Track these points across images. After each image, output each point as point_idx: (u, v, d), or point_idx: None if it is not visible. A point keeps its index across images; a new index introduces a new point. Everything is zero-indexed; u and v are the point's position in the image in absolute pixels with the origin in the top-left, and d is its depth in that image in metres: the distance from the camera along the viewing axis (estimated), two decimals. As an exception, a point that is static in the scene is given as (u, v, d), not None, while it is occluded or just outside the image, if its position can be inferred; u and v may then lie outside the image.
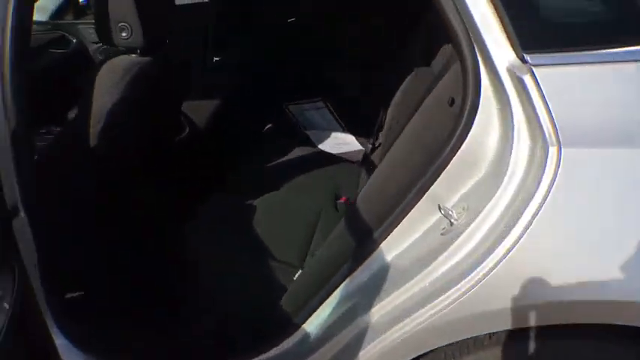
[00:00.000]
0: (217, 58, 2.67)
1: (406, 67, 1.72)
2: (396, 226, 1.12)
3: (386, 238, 1.13)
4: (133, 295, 1.72)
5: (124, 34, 1.40)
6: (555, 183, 0.92)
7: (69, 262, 1.54)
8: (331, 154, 2.25)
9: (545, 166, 0.93)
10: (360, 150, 2.28)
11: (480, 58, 0.98)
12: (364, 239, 1.18)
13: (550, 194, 0.92)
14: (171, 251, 1.59)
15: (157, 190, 1.73)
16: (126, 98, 1.40)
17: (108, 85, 1.37)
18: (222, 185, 1.92)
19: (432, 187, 1.07)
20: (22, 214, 1.22)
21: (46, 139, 2.37)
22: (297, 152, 2.18)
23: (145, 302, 1.71)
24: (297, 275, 1.39)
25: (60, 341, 1.39)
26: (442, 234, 1.07)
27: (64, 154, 1.40)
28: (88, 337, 1.44)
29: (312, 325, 1.23)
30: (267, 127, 2.43)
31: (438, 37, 1.50)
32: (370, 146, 2.20)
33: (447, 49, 1.27)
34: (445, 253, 1.04)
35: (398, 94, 1.66)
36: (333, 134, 2.38)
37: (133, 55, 1.45)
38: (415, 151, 1.11)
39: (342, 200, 1.89)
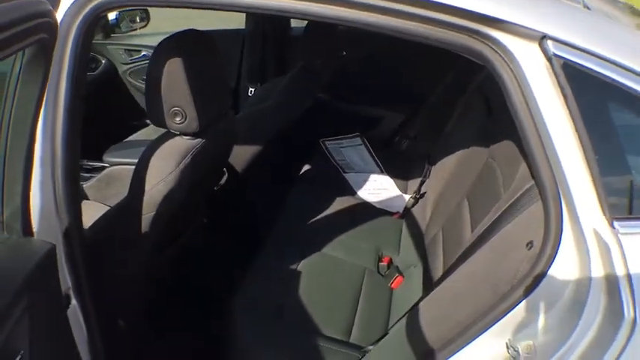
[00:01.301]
0: (253, 89, 2.62)
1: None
2: (461, 353, 1.09)
3: (449, 360, 1.11)
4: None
5: (177, 119, 1.36)
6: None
7: (119, 335, 1.55)
8: (370, 204, 2.22)
9: (616, 336, 0.90)
10: (400, 197, 2.25)
11: (565, 211, 0.94)
12: (425, 355, 1.16)
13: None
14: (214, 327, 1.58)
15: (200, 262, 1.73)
16: (181, 184, 1.37)
17: (160, 173, 1.34)
18: (259, 240, 1.90)
19: (500, 322, 1.04)
20: (74, 301, 1.23)
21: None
22: (336, 202, 2.15)
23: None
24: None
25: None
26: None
27: (113, 242, 1.38)
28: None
29: None
30: (303, 170, 2.39)
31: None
32: (412, 199, 2.17)
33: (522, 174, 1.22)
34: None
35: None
36: (372, 177, 2.34)
37: (186, 138, 1.41)
38: (482, 287, 1.08)
39: (384, 262, 1.87)
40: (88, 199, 2.35)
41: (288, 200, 2.12)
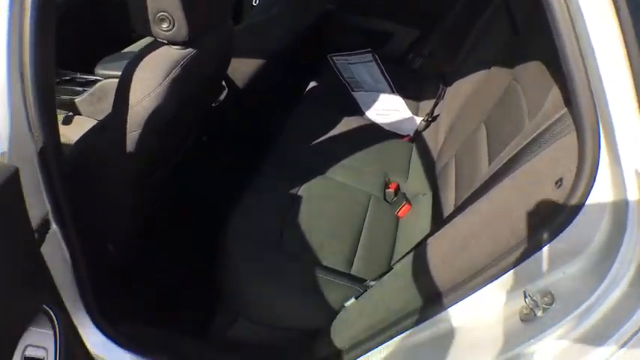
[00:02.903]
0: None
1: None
2: (472, 297, 1.00)
3: (457, 304, 1.02)
4: (170, 293, 1.67)
5: (164, 26, 1.21)
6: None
7: (106, 261, 1.47)
8: (379, 125, 2.07)
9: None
10: (411, 119, 2.10)
11: (603, 146, 0.81)
12: (432, 296, 1.07)
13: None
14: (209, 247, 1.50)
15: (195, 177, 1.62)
16: (171, 99, 1.24)
17: (146, 86, 1.21)
18: (260, 159, 1.78)
19: (518, 268, 0.94)
20: (55, 226, 1.14)
21: (70, 90, 2.23)
22: (343, 122, 2.01)
23: (183, 300, 1.66)
24: (348, 303, 1.29)
25: (97, 339, 1.36)
26: (522, 320, 0.96)
27: (96, 162, 1.27)
28: (127, 335, 1.41)
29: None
30: (309, 87, 2.23)
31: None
32: (424, 122, 2.03)
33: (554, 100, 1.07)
34: (525, 345, 0.94)
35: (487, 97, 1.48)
36: (382, 97, 2.18)
37: (175, 48, 1.26)
38: (500, 227, 0.97)
39: (391, 188, 1.76)
40: (80, 114, 2.23)
41: (291, 119, 1.98)
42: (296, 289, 1.39)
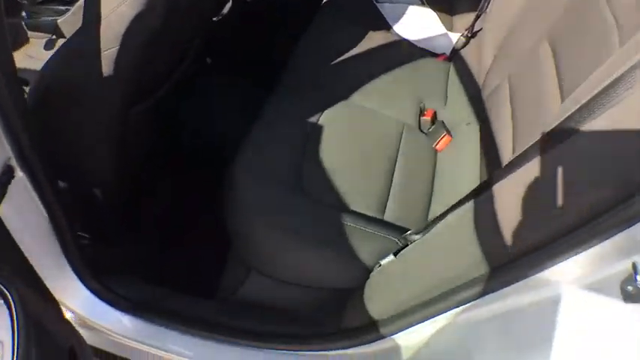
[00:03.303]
0: None
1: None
2: (564, 259, 0.75)
3: (540, 272, 0.78)
4: (172, 240, 1.45)
5: None
6: None
7: (94, 208, 1.25)
8: (410, 42, 1.77)
9: None
10: (445, 36, 1.79)
11: None
12: (506, 260, 0.82)
13: None
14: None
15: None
16: (154, 7, 0.96)
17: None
18: (272, 83, 1.51)
19: (625, 232, 0.69)
20: (20, 173, 0.91)
21: (52, 10, 1.92)
22: (367, 38, 1.71)
23: (186, 250, 1.44)
24: (385, 261, 1.06)
25: (86, 301, 1.17)
26: (626, 298, 0.72)
27: (66, 92, 1.01)
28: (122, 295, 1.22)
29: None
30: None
31: None
32: (463, 38, 1.72)
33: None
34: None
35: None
36: (411, 9, 1.86)
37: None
38: (604, 175, 0.71)
39: (427, 116, 1.49)
40: (64, 37, 1.93)
41: (306, 36, 1.68)
42: (319, 238, 1.16)
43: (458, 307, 0.87)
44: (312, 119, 1.38)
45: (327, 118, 1.39)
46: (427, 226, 1.03)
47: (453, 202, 1.19)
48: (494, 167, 1.20)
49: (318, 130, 1.36)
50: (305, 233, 1.15)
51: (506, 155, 1.16)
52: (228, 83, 1.74)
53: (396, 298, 0.97)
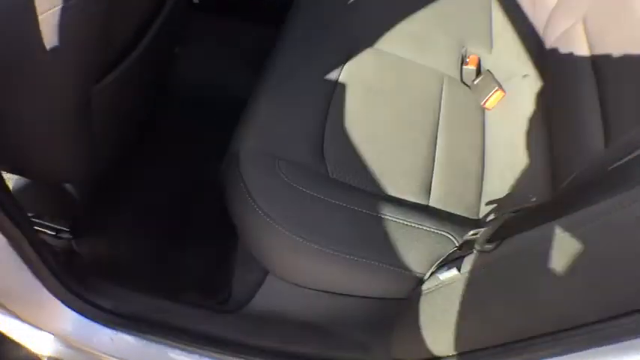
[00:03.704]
0: None
1: None
2: None
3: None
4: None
5: None
6: None
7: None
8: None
9: None
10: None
11: None
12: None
13: None
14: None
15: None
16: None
17: None
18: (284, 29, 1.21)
19: None
20: None
21: None
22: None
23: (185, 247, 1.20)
24: (445, 276, 0.81)
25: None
26: None
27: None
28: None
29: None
30: None
31: None
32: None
33: None
34: None
35: None
36: None
37: None
38: None
39: (470, 64, 1.21)
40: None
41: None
42: (349, 238, 0.91)
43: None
44: (334, 73, 1.10)
45: (351, 71, 1.11)
46: (502, 232, 0.77)
47: (512, 178, 0.95)
48: (569, 136, 0.94)
49: (341, 86, 1.08)
50: (330, 231, 0.89)
51: (590, 121, 0.89)
52: (223, 28, 1.43)
53: (467, 332, 0.74)
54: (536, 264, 0.66)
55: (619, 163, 0.64)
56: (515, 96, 1.13)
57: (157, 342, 1.00)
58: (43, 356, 1.07)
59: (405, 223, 0.92)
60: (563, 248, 0.62)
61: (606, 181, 0.60)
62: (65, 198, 1.09)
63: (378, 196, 0.97)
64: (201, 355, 0.98)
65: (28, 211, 1.04)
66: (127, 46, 0.88)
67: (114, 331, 1.00)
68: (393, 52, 1.18)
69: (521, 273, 0.69)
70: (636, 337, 0.57)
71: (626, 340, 0.57)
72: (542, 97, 1.08)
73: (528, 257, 0.67)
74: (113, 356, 1.02)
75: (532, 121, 1.06)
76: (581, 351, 0.61)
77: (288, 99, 1.03)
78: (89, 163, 0.98)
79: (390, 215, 0.93)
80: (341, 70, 1.11)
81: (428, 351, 0.78)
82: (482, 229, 0.83)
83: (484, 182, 1.06)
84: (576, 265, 0.61)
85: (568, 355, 0.62)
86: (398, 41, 1.20)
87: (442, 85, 1.16)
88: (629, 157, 0.62)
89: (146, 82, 1.09)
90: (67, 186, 1.10)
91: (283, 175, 0.92)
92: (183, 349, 0.99)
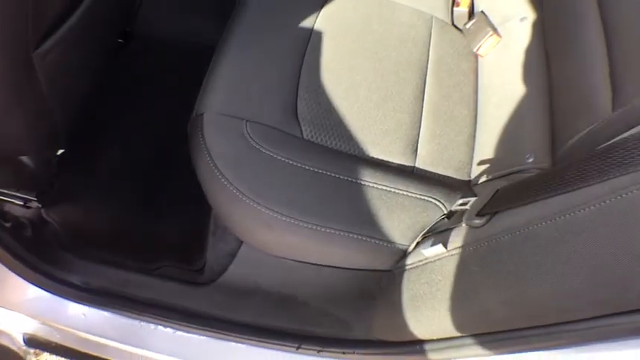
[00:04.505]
0: None
1: None
2: None
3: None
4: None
5: None
6: None
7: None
8: None
9: None
10: None
11: None
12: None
13: None
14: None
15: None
16: None
17: None
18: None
19: None
20: None
21: None
22: None
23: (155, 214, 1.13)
24: (429, 251, 0.74)
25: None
26: None
27: None
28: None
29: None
30: None
31: None
32: None
33: None
34: None
35: None
36: None
37: None
38: None
39: (461, 5, 1.09)
40: None
41: None
42: (324, 208, 0.83)
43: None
44: (309, 19, 0.99)
45: (326, 20, 1.00)
46: (494, 205, 0.69)
47: (507, 134, 0.87)
48: (572, 90, 0.85)
49: (315, 39, 0.98)
50: (304, 202, 0.82)
51: (596, 76, 0.80)
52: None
53: (451, 317, 0.68)
54: (527, 248, 0.59)
55: (622, 136, 0.55)
56: (511, 41, 1.02)
57: (130, 317, 0.95)
58: (18, 334, 1.04)
59: (388, 189, 0.85)
60: (556, 234, 0.55)
61: (604, 157, 0.52)
62: (28, 170, 1.02)
63: (358, 158, 0.89)
64: (175, 329, 0.93)
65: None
66: (67, 8, 0.78)
67: (86, 307, 0.95)
68: (373, -7, 1.06)
69: (510, 256, 0.61)
70: (633, 337, 0.50)
71: (620, 340, 0.51)
72: (541, 44, 0.97)
73: (519, 239, 0.60)
74: (87, 332, 0.97)
75: (530, 70, 0.96)
76: (572, 347, 0.55)
77: (256, 53, 0.93)
78: (45, 133, 0.90)
79: (372, 181, 0.85)
80: (317, 16, 1.00)
81: (409, 333, 0.72)
82: (472, 199, 0.76)
83: (476, 139, 0.97)
84: (569, 254, 0.53)
85: (559, 350, 0.56)
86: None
87: (430, 29, 1.05)
88: (632, 131, 0.54)
89: (99, 40, 0.99)
90: (28, 157, 1.02)
91: (251, 139, 0.84)
92: (157, 324, 0.94)
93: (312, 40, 0.96)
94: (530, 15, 1.01)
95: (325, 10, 1.01)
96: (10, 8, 0.62)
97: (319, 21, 0.99)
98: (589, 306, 0.54)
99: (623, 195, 0.49)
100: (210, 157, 0.82)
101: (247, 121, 0.85)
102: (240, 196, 0.80)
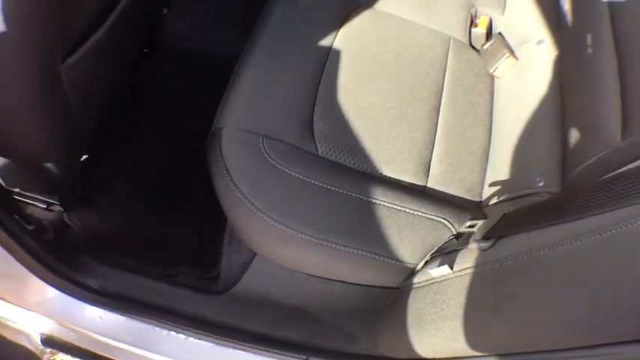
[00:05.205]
0: None
1: None
2: None
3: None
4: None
5: None
6: None
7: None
8: None
9: None
10: None
11: None
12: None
13: None
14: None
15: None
16: None
17: None
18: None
19: None
20: None
21: None
22: None
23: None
24: (437, 271, 0.75)
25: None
26: None
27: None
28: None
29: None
30: None
31: None
32: None
33: None
34: None
35: None
36: None
37: None
38: None
39: (479, 27, 1.11)
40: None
41: None
42: (335, 225, 0.85)
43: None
44: (327, 39, 1.02)
45: (345, 39, 1.02)
46: (500, 228, 0.71)
47: (519, 157, 0.88)
48: (584, 117, 0.86)
49: (333, 58, 1.00)
50: (317, 218, 0.84)
51: (608, 105, 0.81)
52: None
53: (453, 337, 0.69)
54: (530, 274, 0.60)
55: (627, 167, 0.56)
56: (527, 64, 1.04)
57: (144, 322, 0.97)
58: (35, 334, 1.07)
59: (399, 208, 0.86)
60: (558, 261, 0.56)
61: (608, 188, 0.53)
62: (51, 175, 1.05)
63: (371, 176, 0.90)
64: (187, 335, 0.96)
65: (14, 187, 1.01)
66: (94, 23, 0.81)
67: (103, 310, 0.98)
68: (393, 13, 1.08)
69: (513, 281, 0.63)
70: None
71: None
72: (557, 67, 0.98)
73: (522, 265, 0.61)
74: (102, 334, 1.00)
75: (545, 93, 0.98)
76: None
77: (275, 70, 0.96)
78: (69, 141, 0.93)
79: (384, 200, 0.87)
80: (335, 35, 1.02)
81: (413, 351, 0.74)
82: (480, 222, 0.77)
83: (489, 160, 0.98)
84: (571, 282, 0.55)
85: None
86: (400, 0, 1.10)
87: (448, 49, 1.07)
88: (636, 163, 0.55)
89: (125, 52, 1.02)
90: (52, 164, 1.06)
91: (267, 156, 0.87)
92: (170, 330, 0.96)
93: (330, 58, 0.99)
94: (548, 38, 1.02)
95: (344, 30, 1.03)
96: (40, 22, 0.65)
97: (338, 40, 1.01)
98: (590, 334, 0.55)
99: (626, 226, 0.50)
100: (227, 171, 0.84)
101: (264, 137, 0.88)
102: (256, 211, 0.82)
